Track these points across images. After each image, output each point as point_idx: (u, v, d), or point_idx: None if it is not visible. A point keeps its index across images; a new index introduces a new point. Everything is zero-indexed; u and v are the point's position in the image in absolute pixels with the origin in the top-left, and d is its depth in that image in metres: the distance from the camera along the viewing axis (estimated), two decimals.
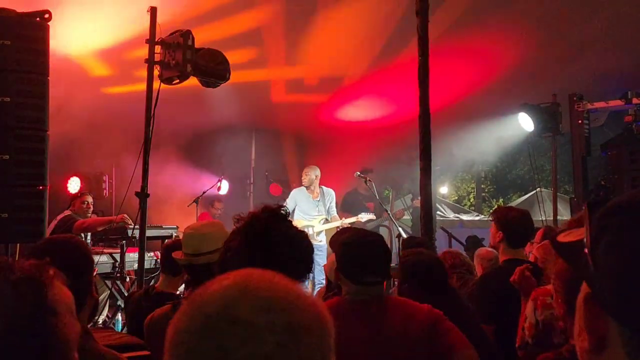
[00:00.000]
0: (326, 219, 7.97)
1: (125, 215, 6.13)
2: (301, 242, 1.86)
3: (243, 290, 0.82)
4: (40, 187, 4.24)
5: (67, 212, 6.65)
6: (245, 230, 1.80)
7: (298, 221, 7.81)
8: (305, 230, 7.50)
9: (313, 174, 7.98)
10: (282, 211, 1.86)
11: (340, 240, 2.52)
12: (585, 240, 0.78)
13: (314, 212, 7.96)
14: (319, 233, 7.87)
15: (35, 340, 1.15)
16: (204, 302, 0.82)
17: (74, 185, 8.30)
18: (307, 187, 8.00)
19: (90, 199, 6.98)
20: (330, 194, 8.12)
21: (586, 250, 0.77)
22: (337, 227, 7.66)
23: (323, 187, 8.11)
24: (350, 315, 2.33)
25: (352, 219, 7.93)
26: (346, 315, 2.29)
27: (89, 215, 6.90)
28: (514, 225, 3.39)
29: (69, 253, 1.99)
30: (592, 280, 0.76)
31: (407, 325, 2.32)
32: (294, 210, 7.94)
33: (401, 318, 2.35)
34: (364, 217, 8.03)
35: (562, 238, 0.87)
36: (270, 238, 1.76)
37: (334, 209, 8.16)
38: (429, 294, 2.73)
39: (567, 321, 2.04)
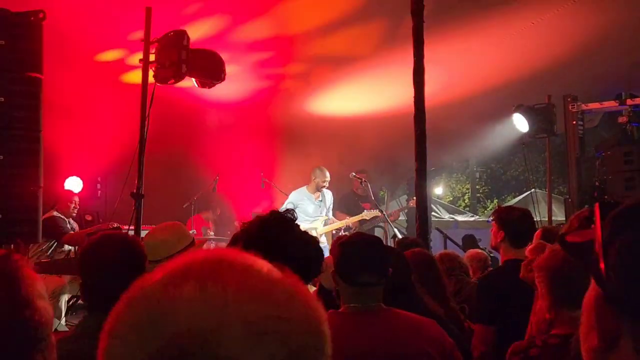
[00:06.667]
0: (326, 220, 7.83)
1: (115, 223, 6.09)
2: (316, 247, 1.93)
3: (223, 299, 0.56)
4: (34, 188, 4.21)
5: (53, 213, 6.52)
6: (257, 236, 1.82)
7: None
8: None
9: (324, 176, 7.68)
10: (290, 215, 1.90)
11: (338, 243, 2.46)
12: (596, 240, 0.78)
13: (317, 213, 7.77)
14: (321, 235, 7.64)
15: (13, 337, 1.10)
16: (165, 312, 0.55)
17: (74, 185, 8.18)
18: (310, 188, 7.77)
19: (77, 199, 6.94)
20: (329, 194, 7.96)
21: (597, 249, 0.77)
22: (341, 227, 7.62)
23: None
24: (349, 328, 2.20)
25: (357, 217, 7.80)
26: (344, 327, 2.17)
27: (74, 215, 6.87)
28: (516, 225, 3.34)
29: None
30: (603, 280, 0.76)
31: (413, 340, 2.22)
32: None
33: (406, 332, 2.24)
34: (367, 214, 7.85)
35: (570, 238, 0.88)
36: (285, 243, 1.79)
37: (331, 209, 8.02)
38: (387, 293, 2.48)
39: (551, 311, 2.05)
